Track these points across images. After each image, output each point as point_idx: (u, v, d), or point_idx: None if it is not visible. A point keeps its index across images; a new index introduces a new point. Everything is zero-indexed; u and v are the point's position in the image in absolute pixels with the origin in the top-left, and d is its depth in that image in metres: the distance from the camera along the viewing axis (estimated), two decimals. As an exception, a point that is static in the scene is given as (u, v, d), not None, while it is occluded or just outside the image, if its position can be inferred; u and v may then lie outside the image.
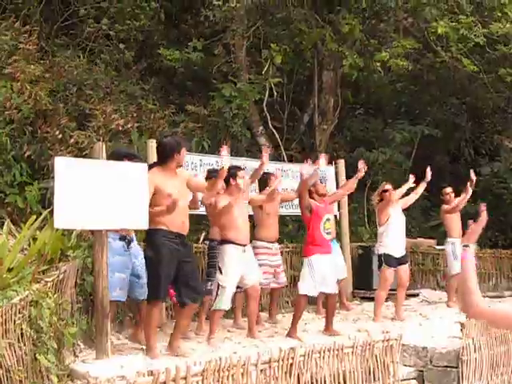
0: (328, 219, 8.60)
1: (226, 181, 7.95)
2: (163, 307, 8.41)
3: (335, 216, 10.33)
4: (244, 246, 8.03)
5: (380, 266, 9.69)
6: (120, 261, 7.24)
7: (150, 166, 7.12)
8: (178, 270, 6.88)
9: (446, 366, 7.40)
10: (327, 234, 8.56)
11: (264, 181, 9.31)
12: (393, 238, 9.58)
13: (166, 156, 6.99)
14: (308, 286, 8.33)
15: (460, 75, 15.42)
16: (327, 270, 8.43)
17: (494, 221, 14.46)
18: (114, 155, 7.23)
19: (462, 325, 7.37)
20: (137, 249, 7.52)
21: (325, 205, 8.63)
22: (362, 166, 9.01)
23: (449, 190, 11.19)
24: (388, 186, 9.79)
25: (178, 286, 7.02)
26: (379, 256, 9.70)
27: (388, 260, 9.55)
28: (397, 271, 9.69)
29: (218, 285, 7.91)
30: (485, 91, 15.64)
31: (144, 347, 7.11)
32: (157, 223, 6.80)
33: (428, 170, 10.24)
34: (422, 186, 10.22)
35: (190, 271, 7.05)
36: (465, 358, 7.27)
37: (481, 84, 15.38)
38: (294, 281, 10.48)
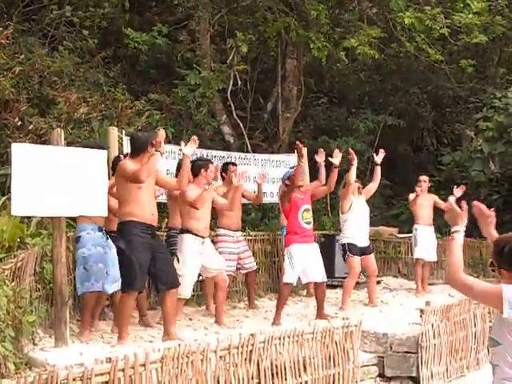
0: (307, 209, 8.66)
1: (195, 172, 8.07)
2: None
3: None
4: (203, 237, 8.01)
5: (344, 256, 9.75)
6: (100, 252, 7.37)
7: (120, 158, 7.37)
8: (152, 261, 6.98)
9: (406, 352, 7.46)
10: (306, 223, 8.63)
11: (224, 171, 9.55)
12: (356, 227, 9.64)
13: (139, 150, 7.03)
14: (289, 275, 8.49)
15: (422, 65, 15.57)
16: (308, 258, 8.53)
17: (455, 209, 14.63)
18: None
19: (422, 311, 7.44)
20: (111, 241, 7.55)
21: (304, 195, 8.68)
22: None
23: (424, 178, 11.20)
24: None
25: (155, 277, 7.13)
26: (342, 246, 9.75)
27: (351, 249, 9.61)
28: (364, 262, 9.78)
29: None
30: (447, 82, 15.80)
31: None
32: (128, 215, 6.89)
33: (381, 152, 10.15)
34: (377, 171, 10.16)
35: (164, 260, 7.16)
36: (424, 344, 7.34)
37: (443, 74, 15.53)
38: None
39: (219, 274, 8.20)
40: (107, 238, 7.47)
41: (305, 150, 9.26)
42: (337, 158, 8.90)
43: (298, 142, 9.54)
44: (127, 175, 6.84)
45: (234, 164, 9.74)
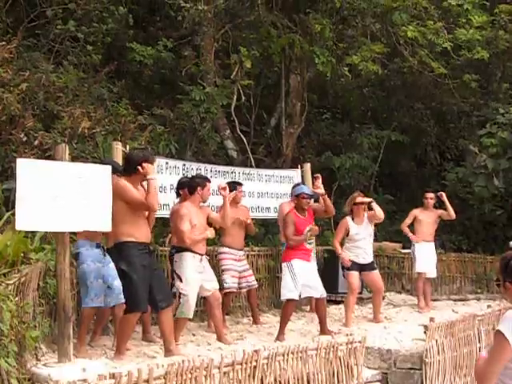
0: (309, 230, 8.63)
1: (192, 190, 8.00)
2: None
3: None
4: (201, 255, 7.97)
5: (343, 272, 9.80)
6: (99, 268, 7.35)
7: (115, 173, 7.10)
8: (150, 280, 6.96)
9: (410, 368, 7.44)
10: (308, 243, 8.71)
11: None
12: (356, 245, 9.65)
13: (132, 169, 6.95)
14: (290, 290, 8.42)
15: (426, 80, 15.60)
16: (309, 274, 8.54)
17: (459, 225, 14.63)
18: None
19: (426, 327, 7.42)
20: (108, 257, 7.51)
21: (308, 216, 8.70)
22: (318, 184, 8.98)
23: (430, 195, 11.16)
24: (360, 199, 9.73)
25: (154, 295, 7.02)
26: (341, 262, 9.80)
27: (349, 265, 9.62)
28: (368, 278, 9.78)
29: (180, 293, 7.83)
30: (450, 97, 15.81)
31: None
32: (127, 235, 6.87)
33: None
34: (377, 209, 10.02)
35: (161, 278, 7.23)
36: (428, 360, 7.31)
37: (446, 90, 15.55)
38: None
39: (213, 293, 8.09)
40: (105, 255, 7.46)
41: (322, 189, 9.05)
42: (320, 189, 8.86)
43: (316, 175, 9.19)
44: (134, 203, 6.82)
45: (240, 184, 9.73)
